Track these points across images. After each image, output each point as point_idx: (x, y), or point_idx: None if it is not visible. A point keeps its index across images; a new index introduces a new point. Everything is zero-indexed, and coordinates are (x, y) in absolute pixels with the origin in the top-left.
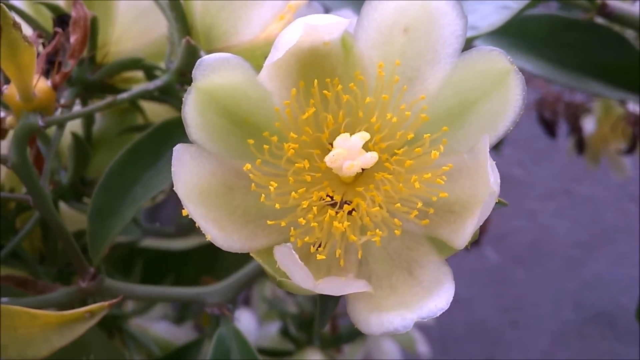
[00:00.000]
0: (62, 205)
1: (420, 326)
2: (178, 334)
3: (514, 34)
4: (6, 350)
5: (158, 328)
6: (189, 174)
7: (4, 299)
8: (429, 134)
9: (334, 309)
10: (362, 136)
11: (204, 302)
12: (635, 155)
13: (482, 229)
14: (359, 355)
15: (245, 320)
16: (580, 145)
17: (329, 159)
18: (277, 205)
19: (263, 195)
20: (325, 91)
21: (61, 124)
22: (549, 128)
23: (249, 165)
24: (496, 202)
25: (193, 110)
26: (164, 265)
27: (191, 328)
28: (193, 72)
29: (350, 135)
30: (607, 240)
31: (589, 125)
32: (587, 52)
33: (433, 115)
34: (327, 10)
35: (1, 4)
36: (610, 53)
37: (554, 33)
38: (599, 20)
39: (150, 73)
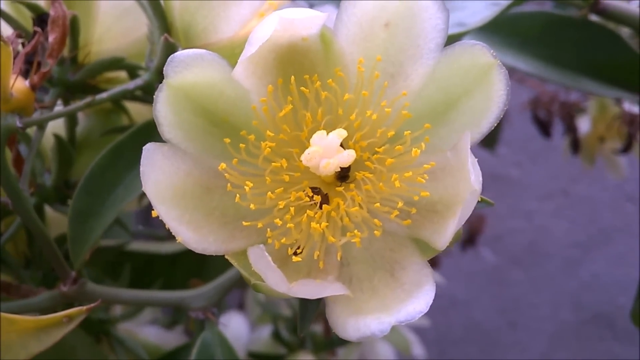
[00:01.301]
0: (47, 209)
1: (417, 328)
2: (168, 339)
3: (506, 32)
4: None
5: (147, 333)
6: (161, 174)
7: None
8: (409, 132)
9: (314, 312)
10: (338, 134)
11: (188, 307)
12: (632, 155)
13: (478, 230)
14: (354, 358)
15: (236, 324)
16: (575, 145)
17: (304, 157)
18: (251, 206)
19: (238, 195)
20: (302, 88)
21: (41, 125)
22: (544, 128)
23: (224, 165)
24: (480, 202)
25: (165, 108)
26: (154, 269)
27: (182, 332)
28: (164, 68)
29: (328, 133)
30: (605, 241)
31: (584, 124)
32: (581, 50)
33: (416, 112)
34: (312, 7)
35: None
36: (605, 51)
37: (547, 31)
38: (593, 17)
39: (133, 73)
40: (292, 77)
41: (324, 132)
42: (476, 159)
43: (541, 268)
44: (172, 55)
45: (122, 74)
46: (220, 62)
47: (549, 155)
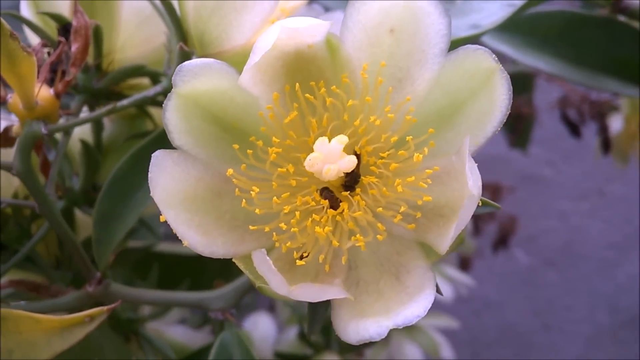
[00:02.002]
0: (77, 211)
1: (449, 331)
2: (195, 338)
3: (526, 32)
4: (11, 354)
5: (175, 332)
6: (171, 180)
7: (20, 303)
8: (410, 137)
9: (324, 314)
10: (339, 140)
11: (208, 307)
12: None
13: (510, 231)
14: (381, 359)
15: (263, 325)
16: (606, 145)
17: (307, 163)
18: (257, 211)
19: (244, 200)
20: (307, 95)
21: (67, 131)
22: (573, 127)
23: (231, 171)
24: (484, 205)
25: (174, 116)
26: (181, 269)
27: (209, 332)
28: (173, 78)
29: (331, 139)
30: None
31: (616, 123)
32: (602, 49)
33: (424, 116)
34: (326, 12)
35: None
36: (627, 49)
37: (568, 30)
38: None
39: (155, 79)
40: (297, 84)
41: (326, 138)
42: (475, 164)
43: (576, 269)
44: (180, 65)
45: (145, 80)
46: (229, 71)
47: (582, 154)
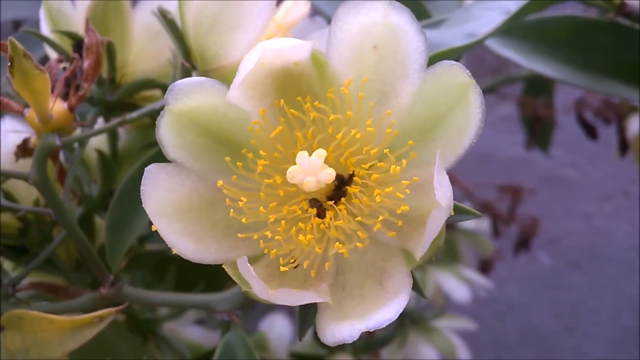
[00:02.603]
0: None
1: (471, 333)
2: (210, 338)
3: (534, 37)
4: (28, 352)
5: (191, 332)
6: (165, 191)
7: (41, 304)
8: (388, 149)
9: (314, 318)
10: (318, 154)
11: (214, 309)
12: None
13: (532, 233)
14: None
15: (279, 326)
16: (623, 146)
17: (288, 176)
18: (244, 220)
19: (232, 210)
20: (292, 110)
21: (82, 142)
22: (589, 130)
23: (221, 182)
24: (464, 214)
25: (168, 132)
26: (197, 272)
27: None
28: (165, 96)
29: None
30: None
31: (634, 124)
32: (610, 54)
33: (408, 128)
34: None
35: (11, 39)
36: (635, 53)
37: (575, 35)
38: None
39: (166, 91)
40: (282, 100)
41: (306, 152)
42: (446, 176)
43: (600, 272)
44: (172, 84)
45: (157, 92)
46: (220, 88)
47: (607, 155)
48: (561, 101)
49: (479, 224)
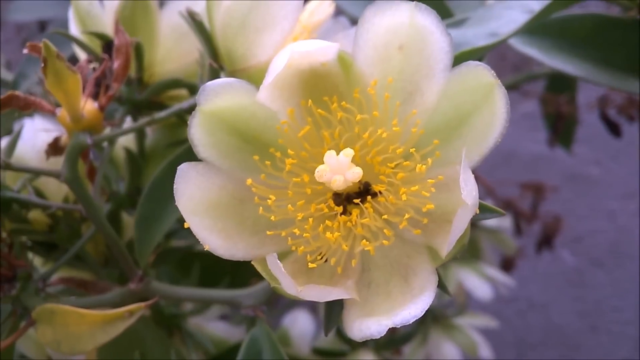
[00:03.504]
0: (124, 214)
1: (494, 331)
2: (234, 333)
3: (555, 35)
4: (59, 345)
5: (215, 327)
6: (196, 189)
7: (70, 298)
8: (414, 148)
9: (339, 314)
10: (345, 153)
11: (240, 304)
12: None
13: (555, 231)
14: (419, 358)
15: (302, 322)
16: None
17: (316, 175)
18: (272, 217)
19: (261, 207)
20: (319, 110)
21: (111, 141)
22: (613, 127)
23: (250, 180)
24: (489, 212)
25: (199, 131)
26: (221, 268)
27: None
28: (197, 97)
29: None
30: None
31: None
32: (632, 51)
33: (433, 127)
34: (354, 23)
35: (45, 41)
36: None
37: (597, 33)
38: None
39: (193, 90)
40: (310, 100)
41: (334, 152)
42: (472, 175)
43: (624, 270)
44: (203, 85)
45: (184, 91)
46: (249, 88)
47: (631, 153)
48: (584, 98)
49: (501, 222)
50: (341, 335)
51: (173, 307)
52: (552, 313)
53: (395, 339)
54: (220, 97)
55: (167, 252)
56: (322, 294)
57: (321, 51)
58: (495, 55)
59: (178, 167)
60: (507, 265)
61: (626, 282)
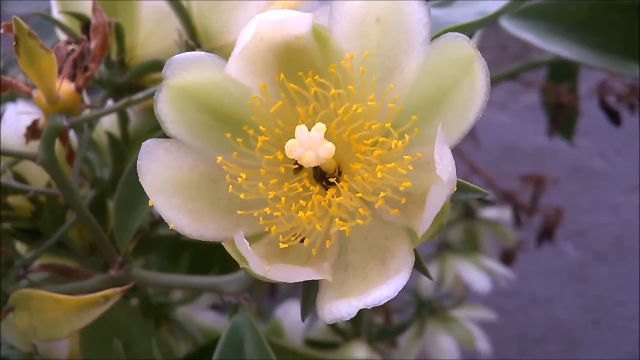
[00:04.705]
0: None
1: (496, 326)
2: (225, 323)
3: (551, 19)
4: (36, 331)
5: (204, 316)
6: (164, 167)
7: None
8: (390, 124)
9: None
10: (317, 127)
11: (222, 291)
12: None
13: (555, 224)
14: (415, 352)
15: (294, 313)
16: None
17: (286, 149)
18: (242, 196)
19: (231, 186)
20: (291, 85)
21: (90, 123)
22: (612, 115)
23: (220, 158)
24: (471, 192)
25: (166, 107)
26: (211, 257)
27: None
28: (163, 70)
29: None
30: None
31: None
32: (628, 35)
33: (413, 104)
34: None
35: (15, 17)
36: None
37: (592, 16)
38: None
39: None
40: (282, 74)
41: (305, 126)
42: (448, 150)
43: (628, 264)
44: (170, 59)
45: None
46: (221, 64)
47: (635, 145)
48: (586, 89)
49: (500, 215)
50: (333, 326)
51: (162, 296)
52: (555, 307)
53: (389, 330)
54: (188, 71)
55: (153, 241)
56: (291, 274)
57: (292, 21)
58: (496, 46)
59: (143, 143)
60: (507, 258)
61: (630, 277)
